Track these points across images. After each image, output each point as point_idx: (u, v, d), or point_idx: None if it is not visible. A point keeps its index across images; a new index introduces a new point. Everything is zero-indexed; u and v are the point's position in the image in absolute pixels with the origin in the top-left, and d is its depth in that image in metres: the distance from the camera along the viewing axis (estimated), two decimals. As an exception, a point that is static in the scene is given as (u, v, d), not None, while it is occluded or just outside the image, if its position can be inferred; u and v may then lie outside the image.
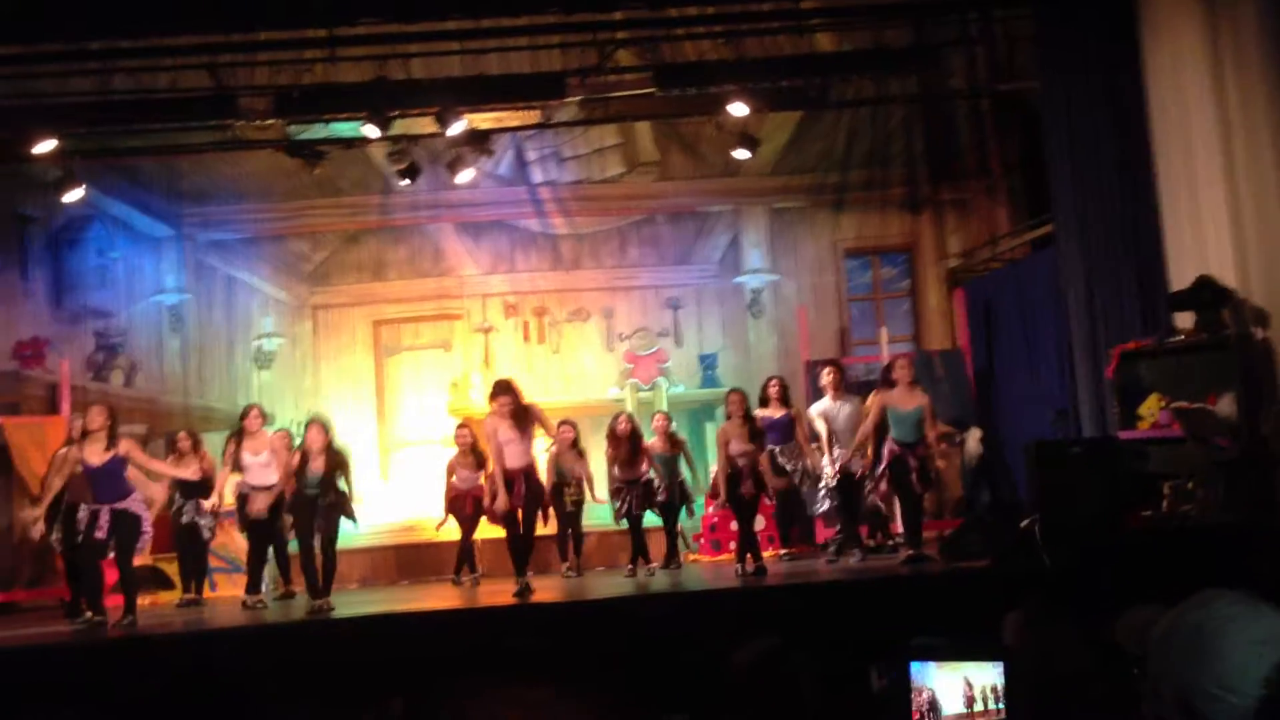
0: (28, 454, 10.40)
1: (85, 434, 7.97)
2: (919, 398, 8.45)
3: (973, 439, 10.73)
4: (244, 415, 9.39)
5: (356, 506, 8.58)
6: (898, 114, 11.99)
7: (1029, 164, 11.33)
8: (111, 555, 7.98)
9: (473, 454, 9.70)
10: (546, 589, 8.47)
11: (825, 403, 9.16)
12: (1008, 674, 2.84)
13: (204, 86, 10.02)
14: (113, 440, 7.95)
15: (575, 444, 9.74)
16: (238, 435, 9.31)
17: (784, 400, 9.45)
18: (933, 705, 3.24)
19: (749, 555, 8.59)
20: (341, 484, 8.34)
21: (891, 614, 6.19)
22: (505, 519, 8.15)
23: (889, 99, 11.72)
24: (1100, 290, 8.88)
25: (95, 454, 7.87)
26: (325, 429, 8.43)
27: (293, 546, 8.90)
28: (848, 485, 8.96)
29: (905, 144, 12.11)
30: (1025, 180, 11.66)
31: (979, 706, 3.20)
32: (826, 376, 9.26)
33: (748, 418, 8.79)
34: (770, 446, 9.09)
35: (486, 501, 8.47)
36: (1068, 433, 9.00)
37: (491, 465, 8.25)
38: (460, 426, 10.00)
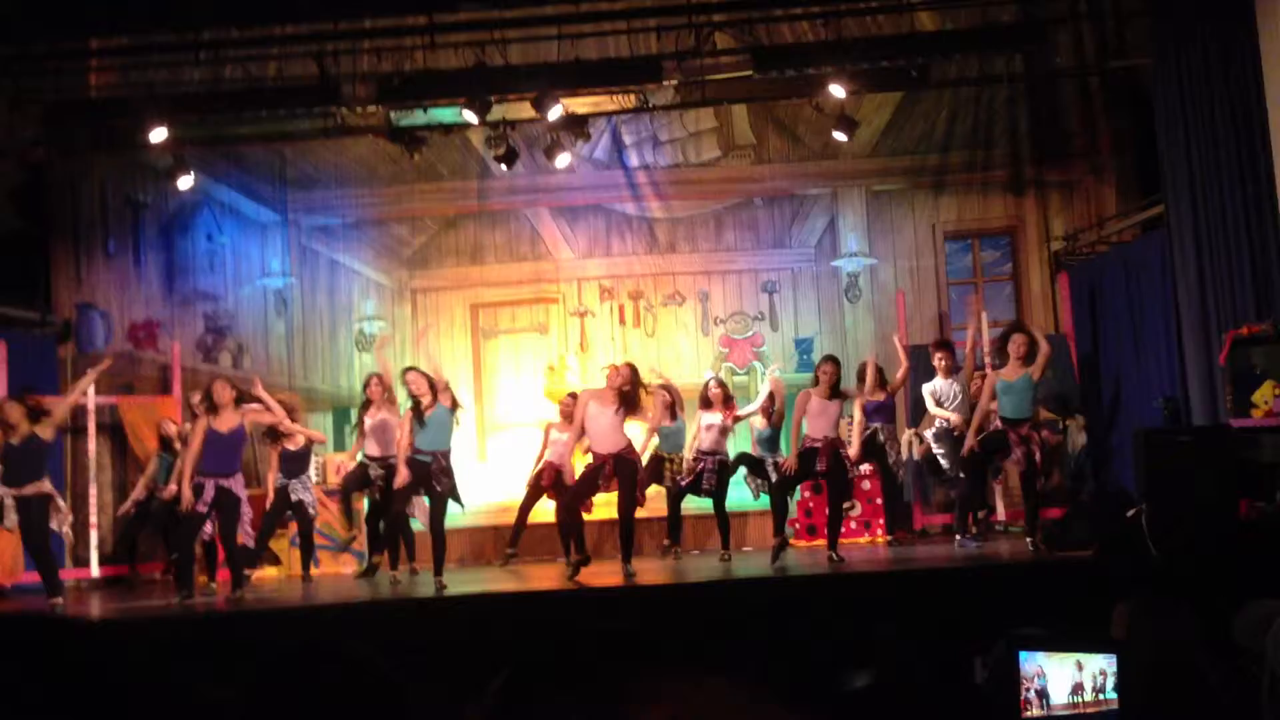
0: (141, 433, 10.80)
1: (214, 407, 8.21)
2: (1024, 369, 8.29)
3: (1076, 426, 10.51)
4: (365, 385, 9.52)
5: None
6: (1001, 93, 11.73)
7: (1138, 144, 11.02)
8: (211, 530, 8.26)
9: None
10: (642, 571, 8.51)
11: (937, 382, 9.19)
12: (1121, 664, 2.78)
13: (309, 75, 10.23)
14: (240, 409, 8.22)
15: (673, 408, 9.69)
16: (363, 406, 9.50)
17: (881, 383, 9.47)
18: (1041, 694, 3.20)
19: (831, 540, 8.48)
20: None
21: (991, 602, 6.10)
22: (567, 502, 8.21)
23: (993, 78, 11.48)
24: (1213, 273, 8.62)
25: (223, 422, 8.14)
26: (423, 373, 8.52)
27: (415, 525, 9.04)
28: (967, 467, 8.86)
29: (1009, 124, 11.85)
30: (1134, 161, 11.34)
31: (1088, 696, 3.16)
32: (939, 360, 9.21)
33: (835, 392, 8.57)
34: (874, 425, 9.15)
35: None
36: (1177, 421, 8.76)
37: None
38: (569, 395, 10.03)
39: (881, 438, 9.36)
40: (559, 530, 8.26)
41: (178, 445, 9.71)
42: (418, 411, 8.37)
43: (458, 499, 8.57)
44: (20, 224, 11.70)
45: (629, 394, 8.04)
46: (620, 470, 8.05)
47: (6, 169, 11.32)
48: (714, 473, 9.40)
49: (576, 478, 8.41)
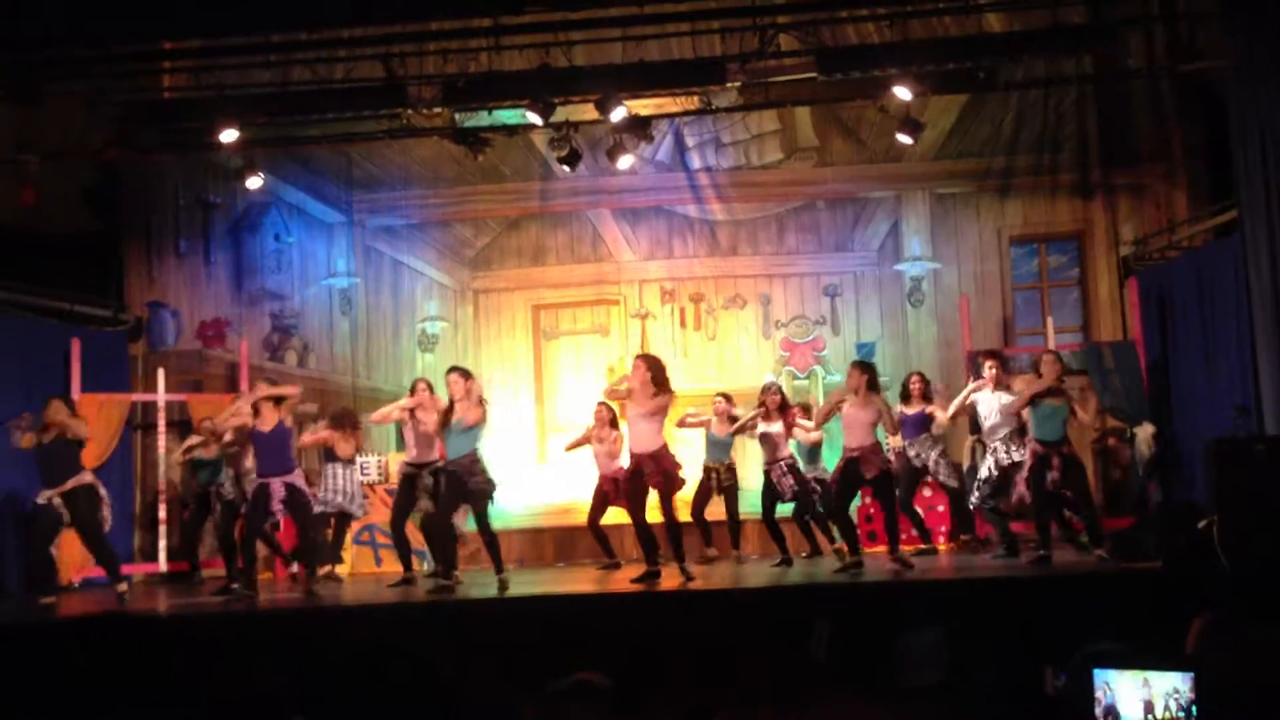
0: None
1: (255, 410, 8.32)
2: (1062, 396, 8.30)
3: (1144, 435, 10.33)
4: (412, 390, 9.55)
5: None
6: (1070, 96, 11.56)
7: (1211, 148, 10.80)
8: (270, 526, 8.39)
9: (609, 428, 9.78)
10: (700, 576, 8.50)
11: (985, 393, 9.01)
12: (1198, 683, 2.72)
13: (376, 77, 10.33)
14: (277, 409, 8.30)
15: (731, 419, 9.75)
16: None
17: (924, 396, 9.44)
18: (1112, 712, 3.14)
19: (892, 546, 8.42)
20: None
21: (1060, 613, 6.01)
22: (631, 504, 8.18)
23: (1062, 80, 11.31)
24: (1289, 280, 8.41)
25: (264, 422, 8.25)
26: (464, 375, 8.42)
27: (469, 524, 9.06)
28: (1002, 480, 8.79)
29: (1077, 127, 11.66)
30: (1206, 165, 11.11)
31: (1159, 714, 3.09)
32: (988, 370, 9.09)
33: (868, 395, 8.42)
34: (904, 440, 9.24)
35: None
36: (1249, 430, 8.57)
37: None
38: (599, 404, 10.06)
39: (915, 453, 9.32)
40: (642, 537, 8.16)
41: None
42: (447, 415, 8.29)
43: (492, 493, 8.45)
44: (94, 224, 11.96)
45: (659, 379, 8.00)
46: (656, 469, 8.01)
47: (81, 169, 11.56)
48: (786, 476, 9.39)
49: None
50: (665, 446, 8.19)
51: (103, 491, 8.57)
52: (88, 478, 8.42)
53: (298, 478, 8.28)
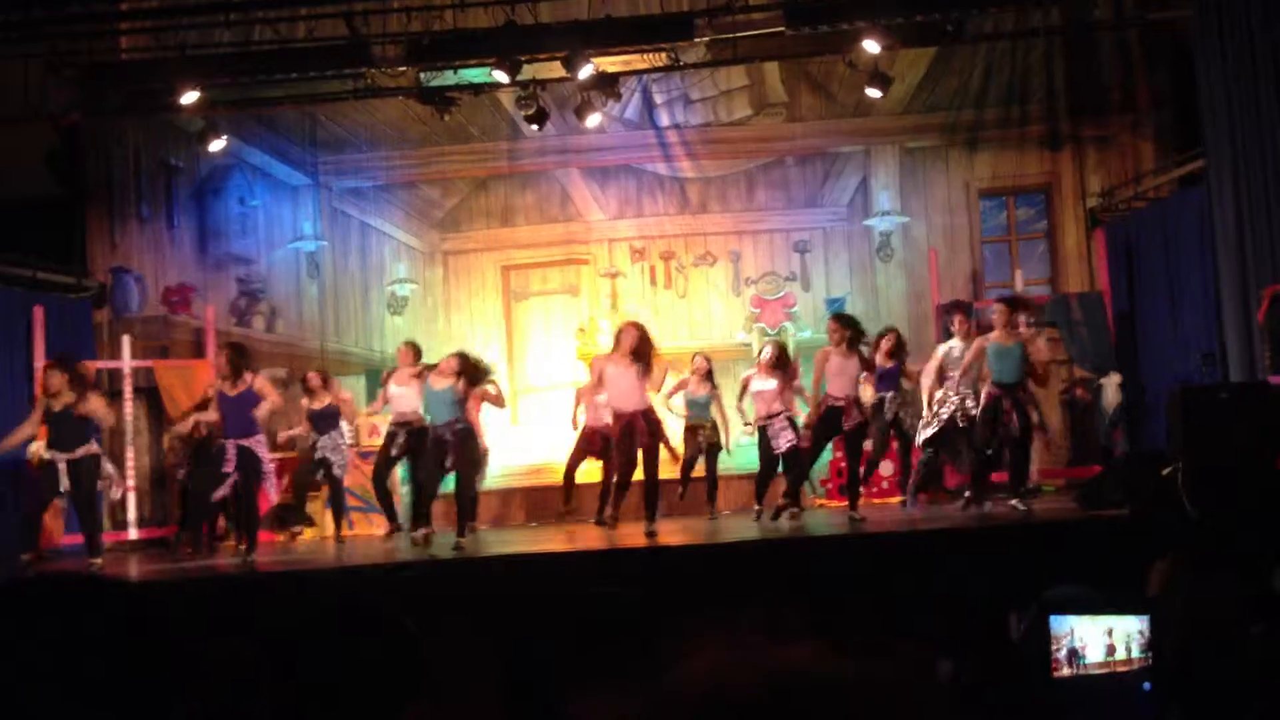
0: (176, 395, 10.89)
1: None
2: (1020, 335, 8.35)
3: (1111, 384, 10.43)
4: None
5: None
6: (1038, 47, 11.53)
7: (1177, 99, 10.83)
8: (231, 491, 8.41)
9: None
10: (677, 531, 8.54)
11: (955, 343, 9.04)
12: (1153, 625, 2.76)
13: (339, 36, 10.20)
14: (242, 375, 8.29)
15: (709, 376, 9.78)
16: (390, 372, 9.64)
17: (893, 354, 9.26)
18: (1073, 655, 3.18)
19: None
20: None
21: (1029, 561, 6.07)
22: (626, 461, 8.22)
23: (1029, 32, 11.28)
24: (1252, 229, 8.48)
25: (229, 385, 8.28)
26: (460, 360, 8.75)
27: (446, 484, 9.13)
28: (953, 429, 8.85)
29: (1045, 79, 11.65)
30: (1173, 116, 11.15)
31: (1120, 655, 3.13)
32: (958, 324, 9.11)
33: (852, 348, 8.57)
34: (881, 393, 9.12)
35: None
36: (1214, 378, 8.66)
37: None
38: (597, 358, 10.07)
39: (891, 407, 9.28)
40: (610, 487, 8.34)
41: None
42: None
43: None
44: (56, 188, 11.78)
45: (642, 351, 8.05)
46: (648, 428, 8.08)
47: (42, 133, 11.37)
48: (784, 431, 9.35)
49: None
50: (651, 405, 8.27)
51: (112, 469, 8.65)
52: (95, 448, 8.45)
53: (256, 443, 8.33)
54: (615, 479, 8.38)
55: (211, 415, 8.90)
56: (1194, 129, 9.42)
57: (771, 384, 9.36)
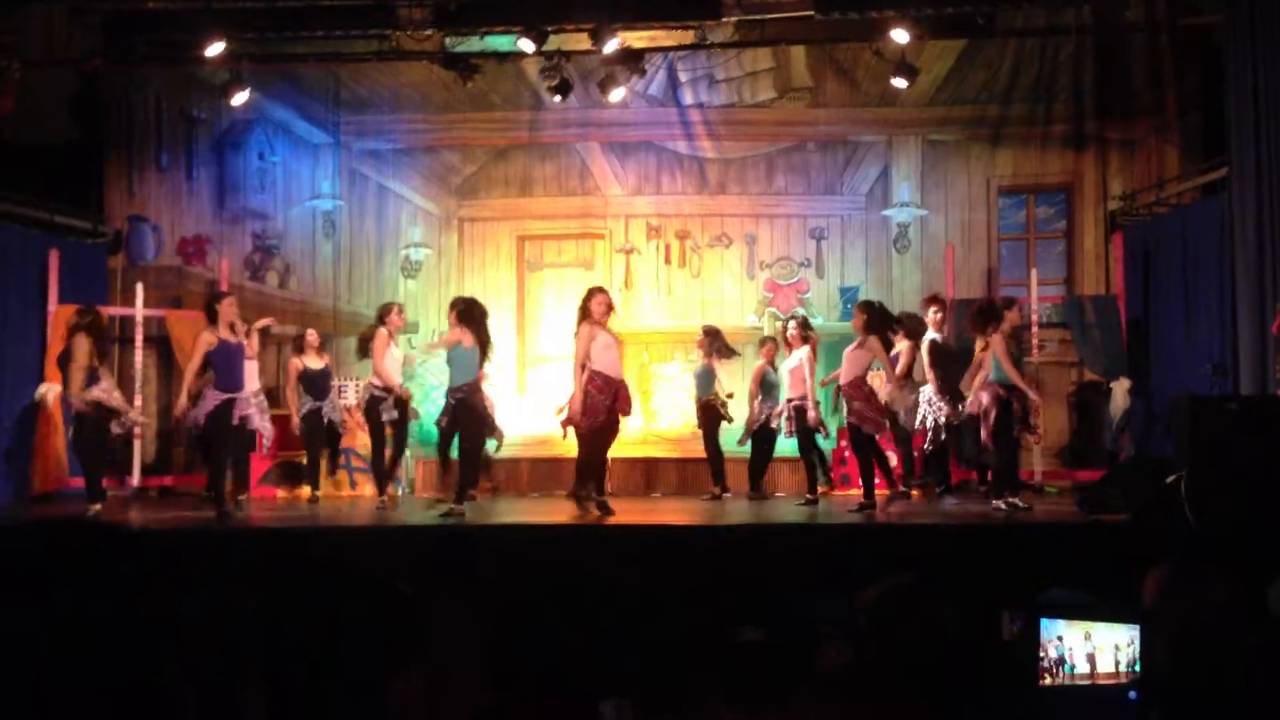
0: (187, 346, 10.87)
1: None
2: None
3: (1120, 389, 10.40)
4: (385, 313, 9.55)
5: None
6: (1067, 46, 11.44)
7: (1205, 105, 10.75)
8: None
9: None
10: (674, 512, 8.54)
11: (934, 334, 9.26)
12: (1143, 636, 2.75)
13: (367, -4, 10.18)
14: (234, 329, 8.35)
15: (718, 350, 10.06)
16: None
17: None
18: (1060, 662, 3.17)
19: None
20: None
21: (1025, 562, 6.07)
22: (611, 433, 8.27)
23: (1060, 30, 11.21)
24: (1272, 242, 8.43)
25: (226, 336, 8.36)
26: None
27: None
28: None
29: (1073, 78, 11.55)
30: (1200, 122, 11.06)
31: (1107, 664, 3.13)
32: (934, 314, 9.44)
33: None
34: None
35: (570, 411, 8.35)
36: (1225, 388, 8.63)
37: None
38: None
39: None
40: (589, 470, 8.25)
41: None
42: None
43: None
44: (76, 134, 11.78)
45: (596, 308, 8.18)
46: (627, 399, 8.19)
47: (65, 79, 11.37)
48: (794, 418, 9.51)
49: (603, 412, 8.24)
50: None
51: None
52: (97, 394, 8.52)
53: (239, 404, 8.34)
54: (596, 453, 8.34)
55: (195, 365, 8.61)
56: (1220, 137, 9.35)
57: (798, 359, 9.44)
